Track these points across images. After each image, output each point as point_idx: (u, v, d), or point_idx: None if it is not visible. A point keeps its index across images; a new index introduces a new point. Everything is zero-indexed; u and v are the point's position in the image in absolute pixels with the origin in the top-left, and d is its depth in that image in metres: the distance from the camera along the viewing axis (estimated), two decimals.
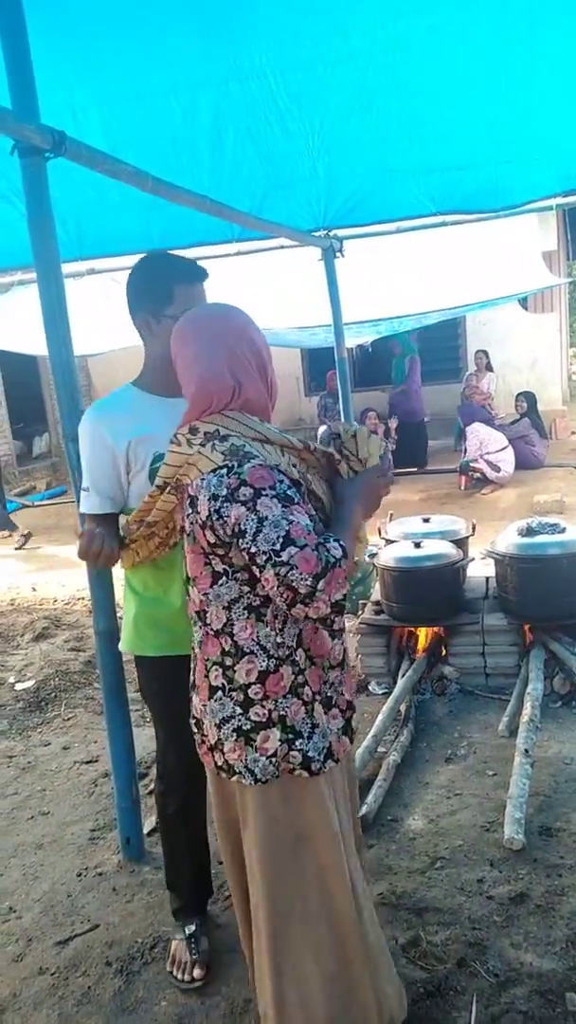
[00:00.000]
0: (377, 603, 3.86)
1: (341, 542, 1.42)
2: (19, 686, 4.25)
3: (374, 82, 3.06)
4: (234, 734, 1.50)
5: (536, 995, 1.93)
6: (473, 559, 3.87)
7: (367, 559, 3.98)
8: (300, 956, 1.56)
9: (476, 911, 2.23)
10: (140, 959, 2.20)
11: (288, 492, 1.41)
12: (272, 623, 1.48)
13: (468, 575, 3.95)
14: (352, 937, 1.59)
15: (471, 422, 8.56)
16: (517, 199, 4.02)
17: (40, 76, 2.16)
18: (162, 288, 1.92)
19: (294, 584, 1.35)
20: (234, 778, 1.53)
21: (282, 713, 1.49)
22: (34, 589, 6.12)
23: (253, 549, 1.38)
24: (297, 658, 1.51)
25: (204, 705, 1.55)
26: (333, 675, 1.58)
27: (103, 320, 5.49)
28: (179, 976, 2.07)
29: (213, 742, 1.54)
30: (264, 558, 1.37)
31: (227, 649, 1.50)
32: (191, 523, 1.49)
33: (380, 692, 3.61)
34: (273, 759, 1.50)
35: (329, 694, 1.57)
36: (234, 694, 1.50)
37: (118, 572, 2.12)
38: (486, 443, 8.26)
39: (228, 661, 1.51)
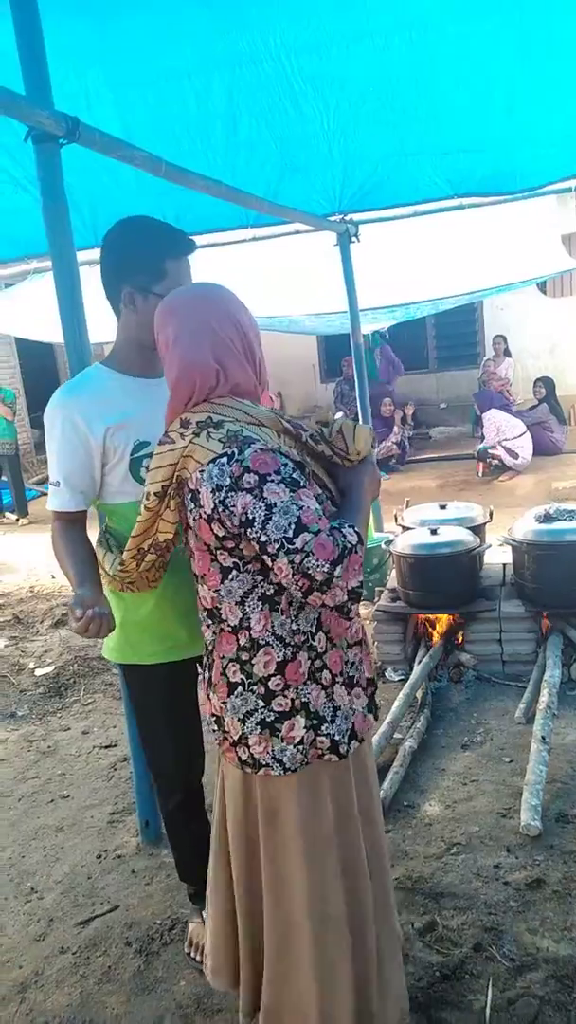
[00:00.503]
0: (393, 590, 3.85)
1: (356, 528, 1.39)
2: (39, 672, 4.30)
3: (390, 63, 3.02)
4: (258, 727, 1.47)
5: (552, 980, 1.93)
6: (490, 546, 3.85)
7: (383, 546, 3.97)
8: (336, 957, 1.53)
9: (492, 896, 2.23)
10: (159, 940, 2.23)
11: (294, 475, 1.37)
12: (287, 611, 1.45)
13: (485, 562, 3.93)
14: (371, 932, 1.58)
15: (488, 408, 8.49)
16: (536, 181, 3.96)
17: (53, 61, 2.14)
18: (154, 262, 1.74)
19: (311, 571, 1.31)
20: (261, 771, 1.49)
21: (304, 700, 1.47)
22: (53, 576, 6.17)
23: (264, 538, 1.33)
24: (315, 643, 1.48)
25: (224, 703, 1.51)
26: (352, 654, 1.56)
27: None
28: (197, 958, 2.10)
29: (236, 737, 1.50)
30: (276, 546, 1.32)
31: (243, 644, 1.47)
32: (194, 519, 1.44)
33: (396, 679, 3.61)
34: (301, 747, 1.47)
35: (351, 673, 1.55)
36: (255, 688, 1.47)
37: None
38: (503, 429, 8.20)
39: (245, 656, 1.47)
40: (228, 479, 1.35)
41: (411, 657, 3.71)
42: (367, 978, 1.57)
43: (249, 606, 1.45)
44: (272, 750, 1.47)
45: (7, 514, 8.94)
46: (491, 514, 3.98)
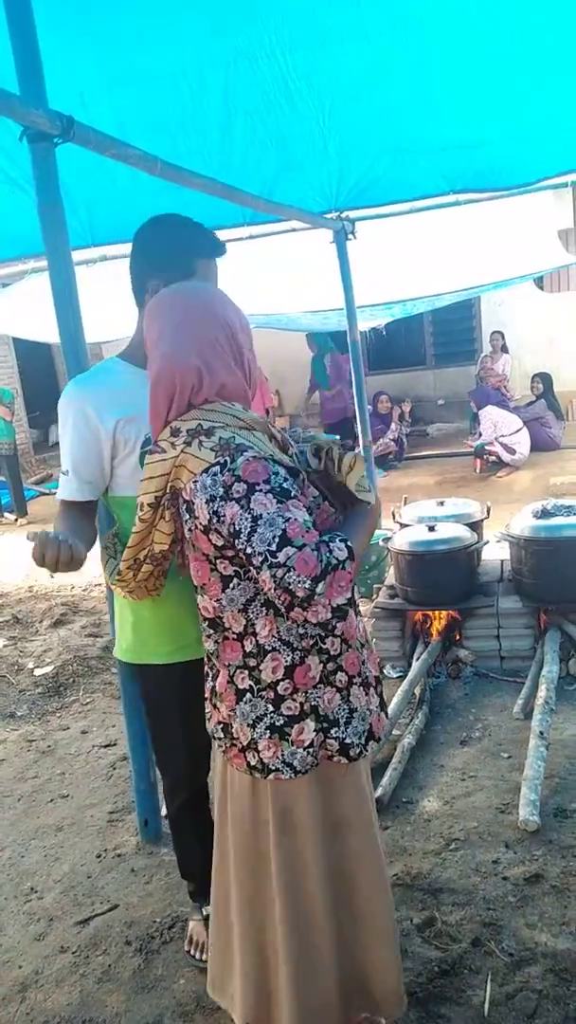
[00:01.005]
0: (391, 587, 3.86)
1: (349, 542, 1.33)
2: (38, 671, 4.30)
3: (385, 59, 3.01)
4: (268, 731, 1.45)
5: (551, 974, 1.94)
6: (488, 542, 3.86)
7: (381, 543, 3.98)
8: (353, 961, 1.53)
9: (491, 891, 2.24)
10: (159, 938, 2.24)
11: (284, 485, 1.33)
12: None
13: (483, 558, 3.93)
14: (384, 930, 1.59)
15: (484, 405, 8.49)
16: (532, 176, 3.95)
17: (48, 60, 2.14)
18: (184, 259, 1.76)
19: (291, 587, 1.27)
20: (270, 776, 1.47)
21: (314, 703, 1.46)
22: (52, 576, 6.17)
23: (249, 550, 1.30)
24: (326, 645, 1.46)
25: (233, 710, 1.49)
26: (365, 653, 1.55)
27: (116, 306, 5.49)
28: (197, 956, 2.11)
29: (246, 743, 1.48)
30: (260, 559, 1.28)
31: (249, 650, 1.44)
32: (190, 529, 1.42)
33: (395, 675, 3.62)
34: (311, 749, 1.46)
35: (367, 674, 1.54)
36: (264, 693, 1.45)
37: None
38: (500, 426, 8.20)
39: (252, 662, 1.45)
40: (220, 488, 1.32)
41: (409, 654, 3.71)
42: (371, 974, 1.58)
43: (252, 613, 1.43)
44: (282, 754, 1.46)
45: (6, 514, 8.93)
46: (489, 510, 3.98)
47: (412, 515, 4.03)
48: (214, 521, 1.34)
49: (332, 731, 1.47)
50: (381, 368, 11.23)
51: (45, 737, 3.57)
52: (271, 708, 1.45)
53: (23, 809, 3.01)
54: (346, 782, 1.53)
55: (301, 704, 1.45)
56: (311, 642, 1.44)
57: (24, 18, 2.10)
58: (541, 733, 2.85)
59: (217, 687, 1.53)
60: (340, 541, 1.32)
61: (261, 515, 1.29)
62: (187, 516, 1.41)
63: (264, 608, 1.42)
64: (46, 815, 2.95)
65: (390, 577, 3.96)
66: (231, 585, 1.42)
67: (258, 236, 4.66)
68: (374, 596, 3.97)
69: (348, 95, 3.25)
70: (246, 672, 1.46)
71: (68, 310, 2.21)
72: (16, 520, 8.71)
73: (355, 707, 1.49)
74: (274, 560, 1.27)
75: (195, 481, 1.36)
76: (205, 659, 1.58)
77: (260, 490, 1.30)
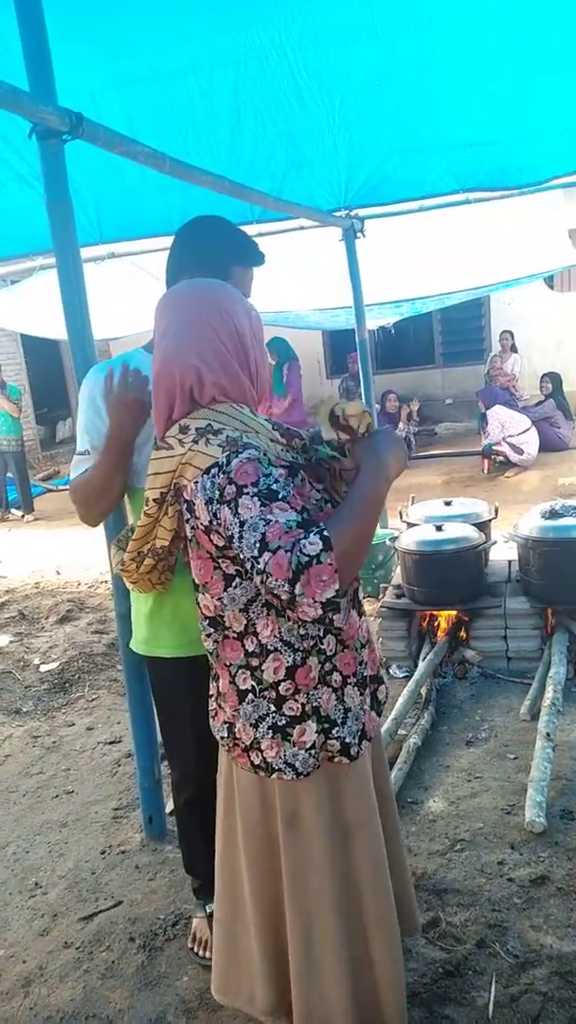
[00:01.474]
0: (398, 587, 3.85)
1: (325, 532, 1.25)
2: (44, 667, 4.31)
3: (395, 57, 3.00)
4: (270, 731, 1.45)
5: (556, 976, 1.93)
6: (495, 542, 3.84)
7: (388, 542, 3.97)
8: (359, 961, 1.52)
9: (496, 893, 2.23)
10: (162, 935, 2.24)
11: (273, 487, 1.30)
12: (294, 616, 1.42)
13: (490, 558, 3.92)
14: (393, 933, 1.58)
15: (492, 405, 8.46)
16: (542, 175, 3.93)
17: (57, 57, 2.14)
18: (221, 261, 1.77)
19: (274, 591, 1.26)
20: (273, 775, 1.47)
21: (315, 704, 1.45)
22: (58, 572, 6.19)
23: (241, 555, 1.30)
24: (324, 646, 1.45)
25: (236, 710, 1.49)
26: (365, 653, 1.54)
27: (124, 304, 5.50)
28: (200, 953, 2.11)
29: (249, 742, 1.48)
30: (249, 564, 1.28)
31: (251, 650, 1.44)
32: (192, 528, 1.41)
33: (401, 675, 3.61)
34: (312, 751, 1.46)
35: (365, 674, 1.53)
36: (266, 693, 1.45)
37: None
38: (508, 425, 8.17)
39: (254, 662, 1.44)
40: (217, 491, 1.32)
41: (416, 654, 3.70)
42: (382, 976, 1.57)
43: (254, 612, 1.42)
44: (284, 754, 1.45)
45: (13, 511, 8.97)
46: (496, 510, 3.97)
47: (419, 515, 4.01)
48: (214, 523, 1.34)
49: (333, 731, 1.47)
50: (389, 367, 11.21)
51: (50, 733, 3.58)
52: (273, 708, 1.45)
53: (28, 805, 3.02)
54: (351, 783, 1.53)
55: (303, 705, 1.45)
56: (312, 643, 1.44)
57: (34, 15, 2.10)
58: (548, 735, 2.83)
59: (220, 687, 1.53)
60: (315, 535, 1.24)
61: (246, 520, 1.28)
62: (188, 515, 1.41)
63: (265, 608, 1.42)
64: (51, 811, 2.96)
65: (397, 577, 3.95)
66: (233, 584, 1.41)
67: (267, 234, 4.65)
68: (381, 596, 3.96)
69: (358, 93, 3.25)
70: (248, 672, 1.46)
71: (76, 307, 2.22)
72: (23, 516, 8.73)
73: (349, 707, 1.50)
74: (257, 566, 1.27)
75: (196, 482, 1.35)
76: (207, 658, 1.58)
77: (247, 493, 1.29)
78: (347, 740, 1.48)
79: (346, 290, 5.06)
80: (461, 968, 1.98)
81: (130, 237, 4.34)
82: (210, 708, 1.61)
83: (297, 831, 1.50)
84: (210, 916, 2.14)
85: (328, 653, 1.46)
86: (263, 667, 1.44)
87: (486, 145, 3.69)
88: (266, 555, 1.25)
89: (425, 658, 3.53)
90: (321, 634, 1.45)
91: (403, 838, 1.79)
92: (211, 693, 1.59)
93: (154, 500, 1.47)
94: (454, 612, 3.74)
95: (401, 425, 9.28)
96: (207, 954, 2.08)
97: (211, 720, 1.61)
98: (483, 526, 3.84)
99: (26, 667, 4.37)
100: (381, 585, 4.16)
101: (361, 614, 1.56)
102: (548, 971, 1.95)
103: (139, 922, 2.30)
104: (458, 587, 3.65)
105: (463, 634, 3.72)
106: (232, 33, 2.78)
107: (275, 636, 1.42)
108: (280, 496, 1.30)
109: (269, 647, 1.43)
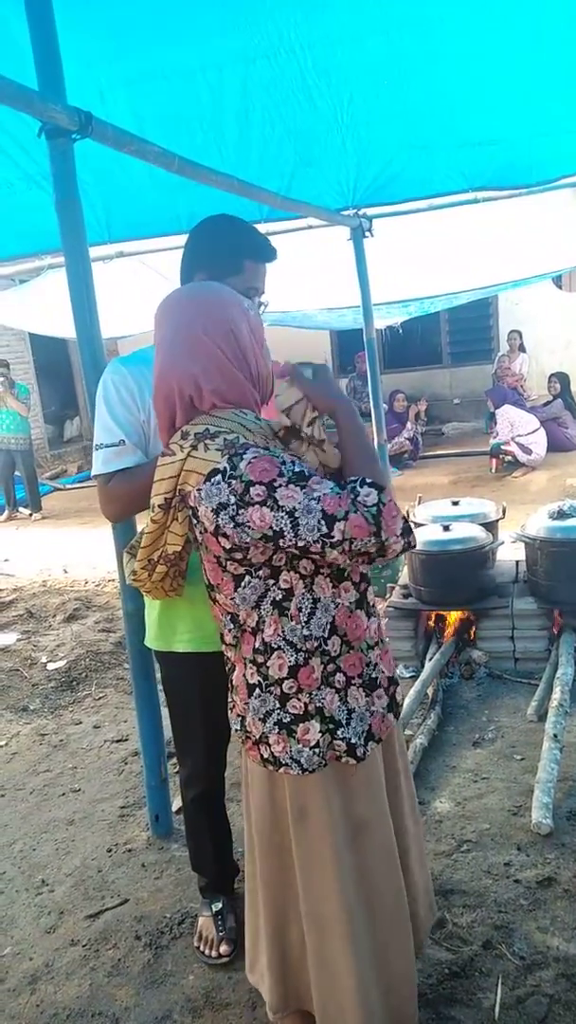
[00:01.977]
0: (405, 586, 3.84)
1: (367, 480, 1.34)
2: (51, 666, 4.33)
3: (404, 56, 2.99)
4: (276, 727, 1.47)
5: (563, 978, 1.93)
6: (503, 542, 3.83)
7: None
8: (372, 957, 1.52)
9: (503, 894, 2.22)
10: (168, 934, 2.24)
11: (297, 469, 1.34)
12: (296, 616, 1.43)
13: (498, 559, 3.91)
14: (406, 933, 1.58)
15: (501, 404, 8.44)
16: (551, 174, 3.91)
17: (67, 57, 2.15)
18: (234, 256, 1.79)
19: (363, 551, 1.32)
20: (281, 770, 1.49)
21: (319, 704, 1.46)
22: (65, 571, 6.21)
23: (301, 543, 1.31)
24: (328, 647, 1.46)
25: (246, 703, 1.52)
26: (374, 655, 1.54)
27: (133, 302, 5.50)
28: (206, 952, 2.11)
29: (258, 736, 1.51)
30: (319, 546, 1.31)
31: (258, 647, 1.47)
32: (199, 532, 1.43)
33: (408, 675, 3.60)
34: (317, 749, 1.47)
35: (373, 675, 1.53)
36: (272, 689, 1.47)
37: None
38: (516, 425, 8.15)
39: (260, 658, 1.47)
40: (232, 497, 1.32)
41: (422, 654, 3.70)
42: (399, 974, 1.57)
43: (263, 610, 1.44)
44: (290, 750, 1.47)
45: (21, 509, 9.00)
46: (504, 511, 3.96)
47: (427, 514, 4.01)
48: (228, 527, 1.34)
49: (338, 731, 1.48)
50: (397, 366, 11.20)
51: (58, 731, 3.59)
52: (278, 705, 1.47)
53: (35, 802, 3.03)
54: (360, 783, 1.53)
55: (306, 704, 1.46)
56: (315, 644, 1.45)
57: (43, 14, 2.10)
58: (555, 736, 2.82)
59: (234, 680, 1.55)
60: (362, 486, 1.33)
61: (295, 507, 1.30)
62: (194, 521, 1.43)
63: (272, 607, 1.43)
64: (58, 809, 2.96)
65: (403, 577, 3.95)
66: (243, 583, 1.43)
67: (275, 233, 4.65)
68: (387, 595, 3.95)
69: (367, 91, 3.24)
70: (255, 667, 1.48)
71: (85, 306, 2.22)
72: (30, 515, 8.76)
73: (353, 708, 1.50)
74: (334, 540, 1.30)
75: (199, 490, 1.36)
76: (224, 651, 1.60)
77: (280, 485, 1.31)
78: (353, 741, 1.49)
79: (354, 289, 5.05)
80: (467, 969, 1.98)
81: (139, 236, 4.34)
82: (228, 700, 1.63)
83: (305, 826, 1.51)
84: (216, 915, 2.15)
85: (332, 654, 1.47)
86: (268, 663, 1.46)
87: (495, 144, 3.66)
88: (339, 524, 1.29)
89: (432, 658, 3.53)
90: (326, 635, 1.46)
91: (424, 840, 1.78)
92: (230, 686, 1.62)
93: (160, 506, 1.48)
94: (461, 612, 3.74)
95: (409, 425, 9.26)
96: (213, 953, 2.09)
97: (230, 711, 1.63)
98: (490, 526, 3.83)
99: (33, 665, 4.38)
100: (388, 585, 4.16)
101: (371, 615, 1.56)
102: (555, 973, 1.95)
103: (145, 920, 2.30)
104: (465, 587, 3.64)
105: (470, 634, 3.71)
106: (241, 31, 2.77)
107: (278, 635, 1.44)
108: (308, 474, 1.34)
109: (273, 645, 1.45)
